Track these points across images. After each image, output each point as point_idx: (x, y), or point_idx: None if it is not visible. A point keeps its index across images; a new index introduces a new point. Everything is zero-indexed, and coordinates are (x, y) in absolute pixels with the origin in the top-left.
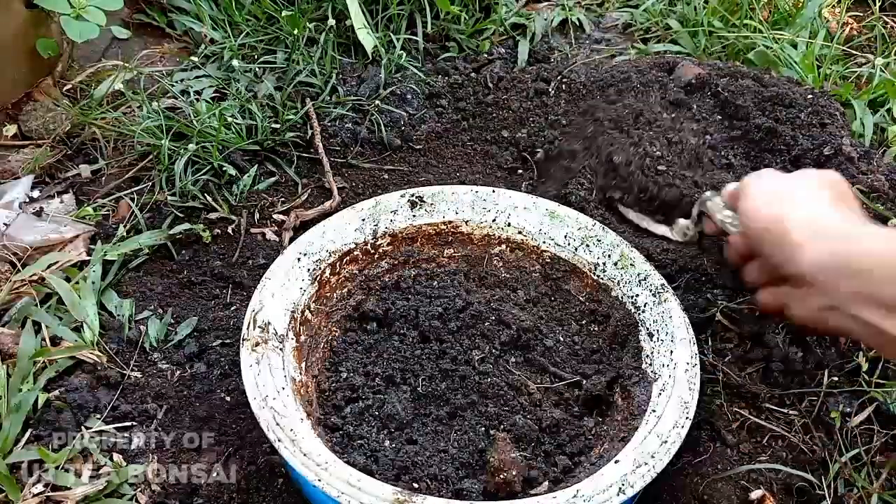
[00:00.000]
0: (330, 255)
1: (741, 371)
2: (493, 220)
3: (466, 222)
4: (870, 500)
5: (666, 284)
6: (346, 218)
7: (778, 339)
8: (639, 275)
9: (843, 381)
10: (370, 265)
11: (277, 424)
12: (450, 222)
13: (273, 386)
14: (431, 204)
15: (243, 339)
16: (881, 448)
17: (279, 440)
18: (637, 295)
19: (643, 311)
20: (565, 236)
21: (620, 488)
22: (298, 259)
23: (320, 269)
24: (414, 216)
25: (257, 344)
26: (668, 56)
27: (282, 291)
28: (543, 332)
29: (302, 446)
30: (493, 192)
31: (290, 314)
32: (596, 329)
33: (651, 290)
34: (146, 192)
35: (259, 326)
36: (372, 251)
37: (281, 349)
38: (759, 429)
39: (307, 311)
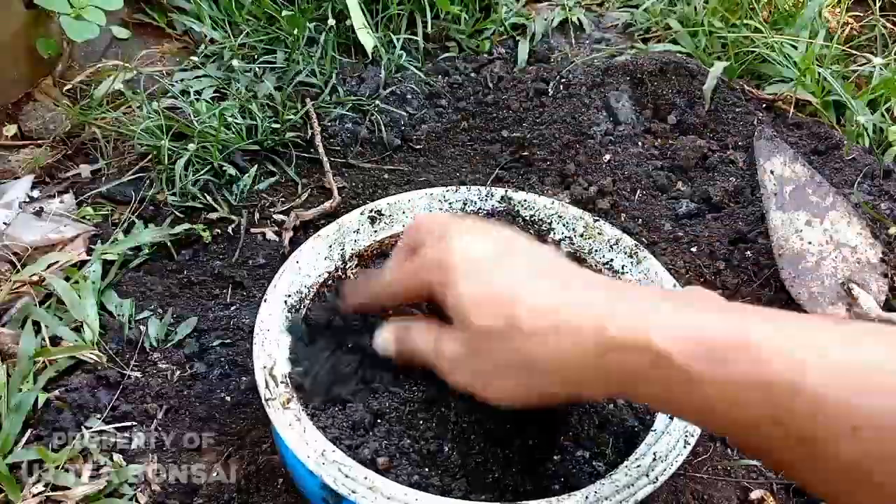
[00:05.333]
0: (309, 291)
1: None
2: None
3: None
4: None
5: (640, 245)
6: (314, 247)
7: None
8: (609, 241)
9: None
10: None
11: (347, 476)
12: None
13: (323, 439)
14: (390, 216)
15: (268, 400)
16: None
17: (354, 492)
18: (612, 259)
19: (623, 274)
20: (525, 219)
21: (686, 441)
22: (286, 302)
23: (304, 307)
24: (375, 231)
25: (288, 400)
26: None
27: (283, 340)
28: None
29: (383, 491)
30: (447, 191)
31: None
32: None
33: (626, 253)
34: (146, 192)
35: (281, 382)
36: (343, 278)
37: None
38: None
39: None
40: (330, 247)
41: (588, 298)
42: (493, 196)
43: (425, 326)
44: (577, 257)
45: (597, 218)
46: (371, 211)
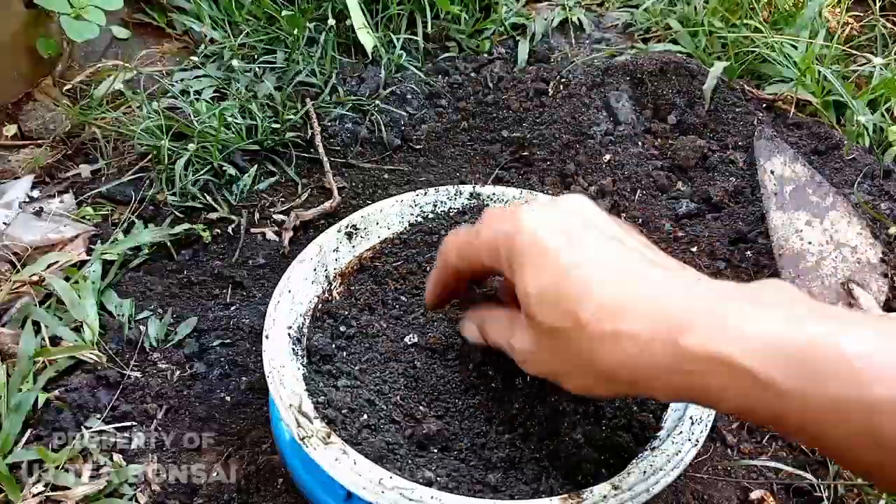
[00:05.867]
0: (305, 319)
1: None
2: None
3: (399, 234)
4: (870, 500)
5: None
6: (301, 273)
7: None
8: None
9: None
10: (331, 315)
11: (412, 500)
12: (386, 240)
13: (377, 467)
14: (365, 228)
15: (304, 438)
16: None
17: None
18: None
19: None
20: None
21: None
22: (289, 335)
23: (303, 336)
24: (353, 247)
25: (328, 434)
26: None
27: (297, 373)
28: None
29: None
30: (416, 195)
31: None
32: None
33: None
34: (146, 192)
35: (315, 417)
36: (329, 299)
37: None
38: (759, 429)
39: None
40: (314, 270)
41: (661, 299)
42: (461, 194)
43: (501, 317)
44: None
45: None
46: (347, 227)
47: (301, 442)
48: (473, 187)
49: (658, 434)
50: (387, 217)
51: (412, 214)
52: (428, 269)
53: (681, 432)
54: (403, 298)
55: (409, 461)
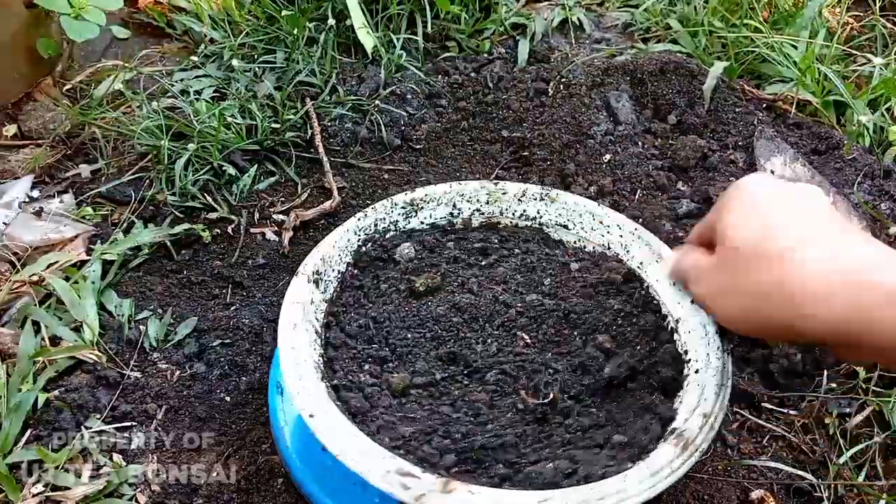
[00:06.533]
0: (326, 384)
1: (741, 372)
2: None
3: (356, 263)
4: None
5: (548, 187)
6: (302, 339)
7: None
8: (515, 195)
9: (841, 383)
10: (335, 372)
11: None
12: (346, 273)
13: (509, 493)
14: (325, 271)
15: (419, 497)
16: (880, 448)
17: None
18: (525, 210)
19: (540, 217)
20: (475, 200)
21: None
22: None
23: (326, 387)
24: (324, 292)
25: (447, 483)
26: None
27: (364, 440)
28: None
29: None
30: (357, 218)
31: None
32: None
33: (536, 198)
34: (146, 192)
35: (423, 471)
36: (333, 357)
37: None
38: (759, 429)
39: None
40: (307, 330)
41: (837, 241)
42: (396, 205)
43: (698, 250)
44: (492, 223)
45: (497, 182)
46: (312, 275)
47: (417, 502)
48: (407, 195)
49: (690, 358)
50: (340, 251)
51: (360, 240)
52: (393, 288)
53: (718, 346)
54: (400, 332)
55: (513, 475)
